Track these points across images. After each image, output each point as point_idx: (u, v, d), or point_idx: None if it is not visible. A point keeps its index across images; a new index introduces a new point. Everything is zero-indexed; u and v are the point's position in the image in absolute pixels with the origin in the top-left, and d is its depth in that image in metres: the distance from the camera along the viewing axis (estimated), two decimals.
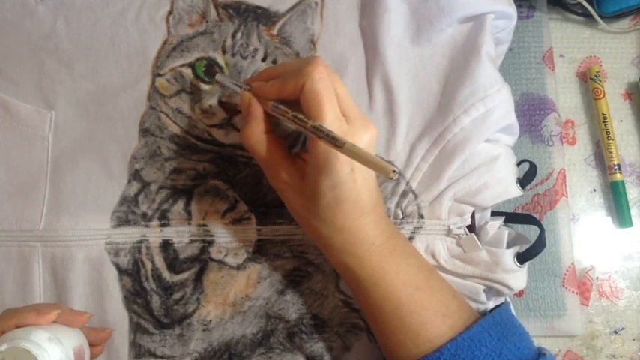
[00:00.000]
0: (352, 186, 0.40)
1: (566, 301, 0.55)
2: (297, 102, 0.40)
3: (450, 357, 0.41)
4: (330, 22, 0.50)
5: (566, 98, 0.60)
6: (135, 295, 0.48)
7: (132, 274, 0.48)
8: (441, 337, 0.42)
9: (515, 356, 0.42)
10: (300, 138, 0.49)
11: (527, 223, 0.52)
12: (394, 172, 0.33)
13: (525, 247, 0.47)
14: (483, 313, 0.46)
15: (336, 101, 0.40)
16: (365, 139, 0.40)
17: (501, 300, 0.49)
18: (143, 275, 0.48)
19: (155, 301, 0.48)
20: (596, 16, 0.58)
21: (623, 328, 0.56)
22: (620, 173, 0.57)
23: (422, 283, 0.44)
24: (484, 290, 0.47)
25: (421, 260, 0.46)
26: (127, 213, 0.49)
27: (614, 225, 0.58)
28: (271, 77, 0.42)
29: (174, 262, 0.48)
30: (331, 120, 0.39)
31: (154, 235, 0.49)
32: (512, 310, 0.49)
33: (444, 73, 0.49)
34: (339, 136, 0.36)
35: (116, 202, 0.49)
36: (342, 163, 0.39)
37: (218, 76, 0.47)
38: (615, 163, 0.57)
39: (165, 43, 0.50)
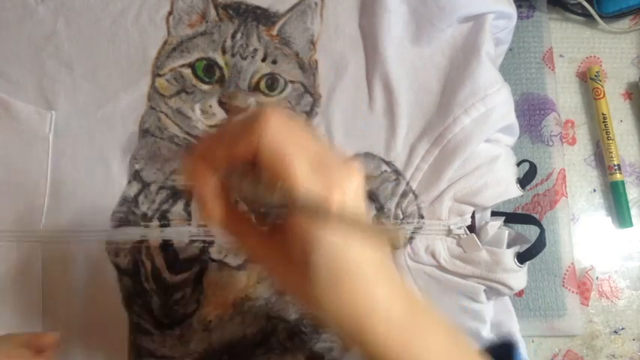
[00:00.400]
0: (348, 256, 0.32)
1: (566, 301, 0.55)
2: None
3: None
4: (330, 23, 0.50)
5: (566, 98, 0.59)
6: (135, 296, 0.48)
7: (132, 274, 0.48)
8: None
9: None
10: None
11: (527, 223, 0.52)
12: (404, 237, 0.30)
13: (525, 247, 0.47)
14: (485, 346, 0.43)
15: (305, 151, 0.31)
16: (352, 188, 0.32)
17: (501, 300, 0.49)
18: (143, 276, 0.48)
19: (155, 301, 0.48)
20: (596, 16, 0.58)
21: (623, 328, 0.56)
22: (620, 173, 0.57)
23: (453, 350, 0.36)
24: (484, 290, 0.47)
25: (444, 321, 0.36)
26: (127, 213, 0.49)
27: (614, 225, 0.58)
28: (217, 141, 0.34)
29: (174, 263, 0.48)
30: (304, 179, 0.31)
31: (154, 235, 0.49)
32: (510, 309, 0.49)
33: (443, 73, 0.49)
34: (320, 207, 0.30)
35: (116, 202, 0.49)
36: (331, 233, 0.32)
37: None
38: (615, 163, 0.57)
39: (165, 43, 0.50)
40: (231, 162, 0.33)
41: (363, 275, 0.33)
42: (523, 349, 0.49)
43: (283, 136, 0.31)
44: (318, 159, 0.32)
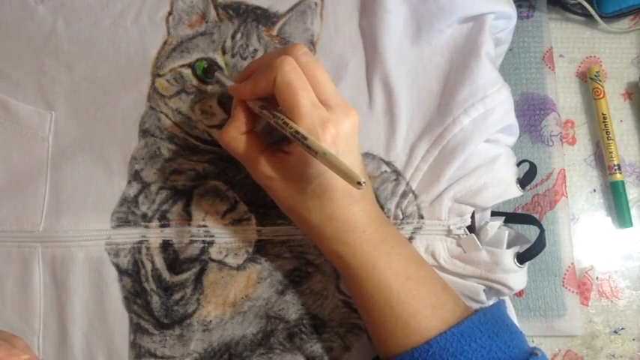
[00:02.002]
0: (334, 177, 0.39)
1: (566, 301, 0.55)
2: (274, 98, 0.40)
3: (439, 350, 0.41)
4: (330, 23, 0.50)
5: (566, 98, 0.60)
6: (135, 296, 0.48)
7: (132, 274, 0.48)
8: (430, 329, 0.42)
9: (504, 354, 0.41)
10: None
11: (527, 223, 0.52)
12: (359, 183, 0.34)
13: (525, 247, 0.47)
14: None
15: (310, 89, 0.39)
16: (347, 125, 0.40)
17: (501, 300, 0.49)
18: (143, 276, 0.48)
19: (155, 301, 0.48)
20: (596, 16, 0.58)
21: (623, 328, 0.56)
22: (620, 173, 0.57)
23: (413, 273, 0.43)
24: (484, 290, 0.47)
25: (411, 250, 0.45)
26: (127, 213, 0.49)
27: (614, 225, 0.58)
28: (249, 75, 0.42)
29: (174, 263, 0.48)
30: (307, 109, 0.38)
31: (154, 235, 0.49)
32: (510, 309, 0.49)
33: (443, 73, 0.49)
34: (313, 143, 0.37)
35: (116, 202, 0.49)
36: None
37: (217, 74, 0.47)
38: (615, 163, 0.57)
39: (165, 43, 0.50)
40: (256, 93, 0.41)
41: (347, 196, 0.41)
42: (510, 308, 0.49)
43: (294, 75, 0.38)
44: (321, 97, 0.40)
